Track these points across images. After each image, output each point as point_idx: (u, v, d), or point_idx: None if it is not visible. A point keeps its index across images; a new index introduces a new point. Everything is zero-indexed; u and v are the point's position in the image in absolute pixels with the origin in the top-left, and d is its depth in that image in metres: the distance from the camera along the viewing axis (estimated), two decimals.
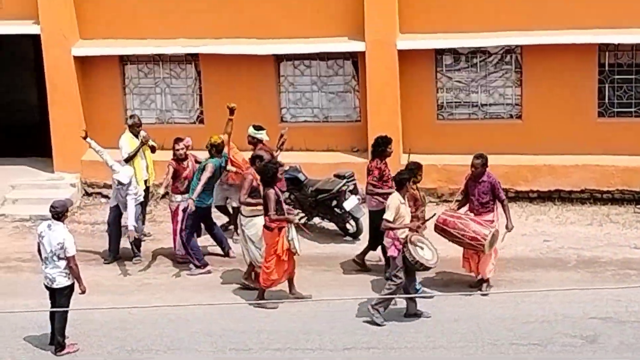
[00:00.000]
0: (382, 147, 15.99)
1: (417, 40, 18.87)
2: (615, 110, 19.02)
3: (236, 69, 19.60)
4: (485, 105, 19.42)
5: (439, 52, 19.25)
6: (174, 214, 16.69)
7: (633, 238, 17.13)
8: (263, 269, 15.06)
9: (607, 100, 19.02)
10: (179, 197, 16.60)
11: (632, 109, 18.99)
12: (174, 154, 16.62)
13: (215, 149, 16.38)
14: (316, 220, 18.07)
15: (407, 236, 14.41)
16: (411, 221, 14.63)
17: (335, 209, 17.48)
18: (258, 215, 15.38)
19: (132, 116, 18.16)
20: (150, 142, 17.55)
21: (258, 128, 16.87)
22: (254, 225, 15.49)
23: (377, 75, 18.91)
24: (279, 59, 19.72)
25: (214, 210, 17.19)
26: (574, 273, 16.00)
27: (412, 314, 14.65)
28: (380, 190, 15.69)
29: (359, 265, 16.31)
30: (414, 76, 19.20)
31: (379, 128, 18.51)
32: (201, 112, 20.12)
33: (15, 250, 17.46)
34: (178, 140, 16.69)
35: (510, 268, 16.12)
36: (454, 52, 19.25)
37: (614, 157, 18.38)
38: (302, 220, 17.66)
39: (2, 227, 18.45)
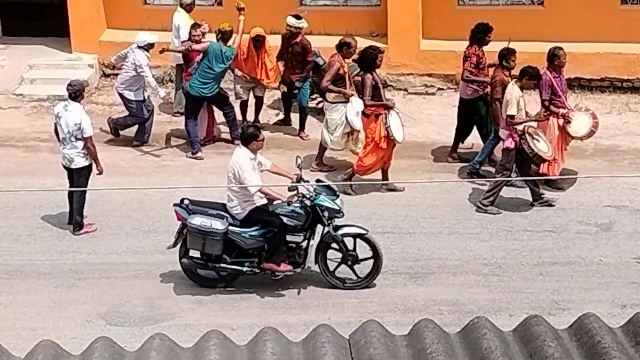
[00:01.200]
0: (481, 34, 15.64)
1: None
2: None
3: None
4: None
5: None
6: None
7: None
8: (359, 155, 15.08)
9: None
10: None
11: None
12: (192, 39, 16.45)
13: (222, 36, 16.17)
14: None
15: (524, 128, 14.20)
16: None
17: None
18: (342, 102, 15.34)
19: None
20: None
21: (298, 17, 16.71)
22: (336, 110, 15.44)
23: None
24: None
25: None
26: (591, 161, 15.99)
27: (537, 199, 14.50)
28: (476, 78, 15.46)
29: (457, 159, 16.09)
30: None
31: (399, 13, 18.37)
32: None
33: (34, 130, 17.48)
34: (196, 25, 16.52)
35: None
36: None
37: (636, 45, 18.16)
38: (320, 105, 17.65)
39: (19, 107, 18.45)
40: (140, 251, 13.67)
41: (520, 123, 14.12)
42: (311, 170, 15.44)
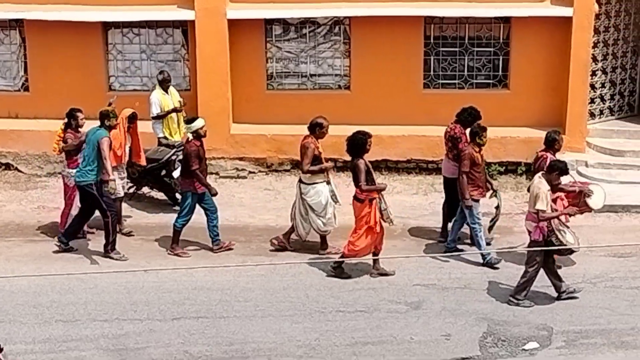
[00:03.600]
0: (471, 117, 15.74)
1: (246, 9, 18.88)
2: (440, 82, 19.50)
3: (62, 36, 19.20)
4: (315, 75, 19.60)
5: (269, 22, 19.31)
6: (72, 190, 15.99)
7: None
8: (349, 240, 14.90)
9: (432, 72, 19.46)
10: (72, 172, 15.87)
11: (456, 81, 19.49)
12: (73, 125, 15.97)
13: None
14: (145, 189, 17.94)
15: (553, 222, 14.02)
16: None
17: (165, 179, 17.38)
18: (319, 183, 15.42)
19: (161, 71, 18.02)
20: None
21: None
22: (316, 192, 15.47)
23: (207, 44, 18.84)
24: (106, 26, 19.42)
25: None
26: (400, 241, 16.33)
27: (561, 292, 14.32)
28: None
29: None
30: (243, 46, 19.22)
31: (209, 97, 18.57)
32: (26, 80, 19.65)
33: None
34: (77, 110, 16.04)
35: (338, 237, 16.34)
36: (284, 22, 19.34)
37: (439, 128, 18.70)
38: (131, 190, 17.53)
39: None
40: None
41: (551, 218, 13.96)
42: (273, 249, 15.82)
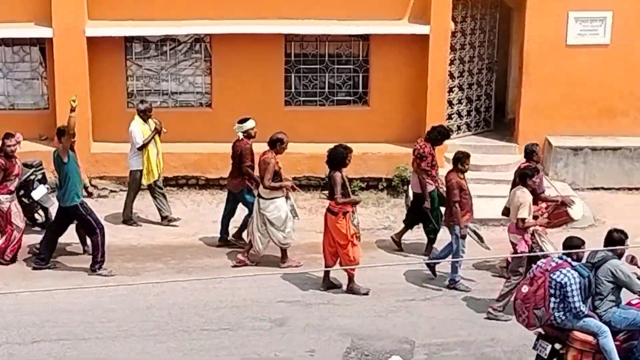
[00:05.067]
0: (440, 136, 16.44)
1: (105, 27, 18.68)
2: (301, 99, 19.64)
3: None
4: (176, 93, 19.53)
5: (129, 40, 19.16)
6: (7, 215, 15.72)
7: (319, 224, 17.67)
8: (344, 257, 14.94)
9: (293, 89, 19.59)
10: (8, 197, 15.71)
11: (317, 98, 19.65)
12: (4, 150, 15.62)
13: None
14: None
15: (534, 231, 14.31)
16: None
17: (23, 199, 17.02)
18: (278, 197, 15.60)
19: (143, 101, 17.59)
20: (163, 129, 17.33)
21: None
22: (275, 207, 15.64)
23: (65, 62, 18.57)
24: None
25: None
26: (264, 258, 16.36)
27: None
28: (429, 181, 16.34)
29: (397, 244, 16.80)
30: (103, 64, 19.01)
31: (67, 116, 18.24)
32: None
33: None
34: (9, 135, 15.70)
35: (201, 254, 16.30)
36: (144, 40, 19.22)
37: (300, 145, 18.85)
38: None
39: None
40: None
41: (532, 226, 14.34)
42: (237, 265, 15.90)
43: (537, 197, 15.24)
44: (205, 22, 18.78)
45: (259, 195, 15.85)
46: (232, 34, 18.77)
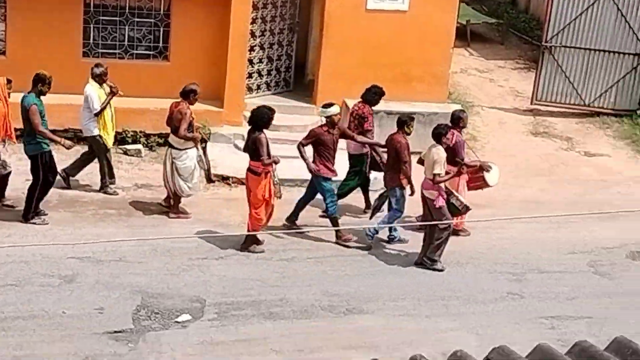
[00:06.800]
0: (377, 96, 16.86)
1: None
2: (100, 50, 19.27)
3: None
4: None
5: None
6: None
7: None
8: (253, 215, 15.12)
9: (92, 41, 19.20)
10: None
11: (117, 51, 19.34)
12: None
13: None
14: None
15: (446, 185, 15.14)
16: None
17: None
18: (190, 148, 15.89)
19: (98, 65, 16.59)
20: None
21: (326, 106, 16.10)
22: (187, 158, 15.92)
23: None
24: None
25: None
26: (55, 213, 16.05)
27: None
28: (370, 141, 16.70)
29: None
30: None
31: None
32: None
33: None
34: None
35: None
36: None
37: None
38: None
39: None
40: None
41: (446, 180, 15.08)
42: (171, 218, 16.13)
43: (455, 161, 15.81)
44: None
45: (171, 145, 16.04)
46: None
